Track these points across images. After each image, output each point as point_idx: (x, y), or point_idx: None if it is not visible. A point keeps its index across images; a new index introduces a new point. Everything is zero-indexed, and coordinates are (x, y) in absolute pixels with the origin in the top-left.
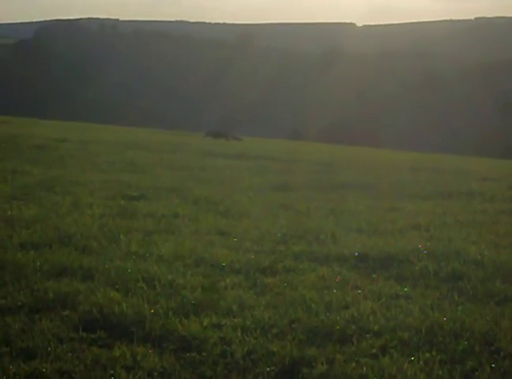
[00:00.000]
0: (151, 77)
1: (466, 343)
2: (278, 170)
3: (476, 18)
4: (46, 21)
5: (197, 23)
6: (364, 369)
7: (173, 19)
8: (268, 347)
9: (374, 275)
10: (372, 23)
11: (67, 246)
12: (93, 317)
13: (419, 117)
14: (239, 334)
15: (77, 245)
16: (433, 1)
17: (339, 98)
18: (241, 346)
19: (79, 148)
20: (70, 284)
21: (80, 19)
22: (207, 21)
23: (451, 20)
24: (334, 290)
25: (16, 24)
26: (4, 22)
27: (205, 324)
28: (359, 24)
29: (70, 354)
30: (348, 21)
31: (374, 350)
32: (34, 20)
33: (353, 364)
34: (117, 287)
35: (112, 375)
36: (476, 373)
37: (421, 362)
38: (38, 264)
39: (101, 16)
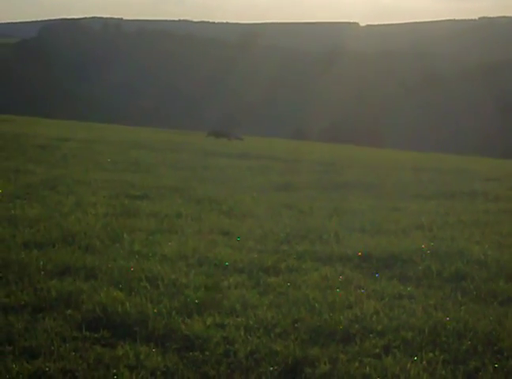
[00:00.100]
0: (154, 77)
1: (469, 343)
2: (281, 169)
3: (479, 18)
4: (49, 21)
5: (201, 22)
6: (367, 368)
7: (176, 18)
8: (271, 347)
9: (377, 275)
10: (375, 22)
11: (70, 245)
12: (96, 316)
13: (420, 117)
14: (242, 333)
15: (81, 244)
16: (436, 1)
17: (341, 97)
18: (244, 345)
19: (82, 147)
20: (73, 283)
21: (84, 18)
22: (210, 21)
23: (454, 20)
24: (337, 290)
25: (19, 23)
26: (7, 21)
27: (208, 323)
28: (363, 23)
29: (73, 353)
30: (352, 21)
31: (378, 350)
32: (37, 20)
33: (356, 364)
34: (120, 286)
35: (115, 374)
36: (480, 373)
37: (424, 362)
38: (41, 263)
39: (105, 16)
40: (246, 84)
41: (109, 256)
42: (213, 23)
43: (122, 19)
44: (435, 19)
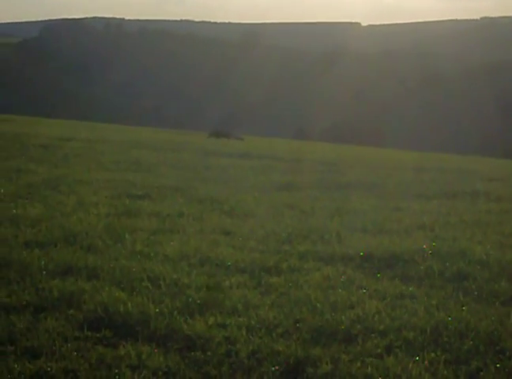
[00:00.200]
0: (155, 76)
1: (471, 343)
2: (282, 169)
3: (481, 18)
4: (51, 20)
5: (202, 22)
6: (369, 368)
7: (178, 18)
8: (273, 347)
9: (379, 275)
10: (377, 22)
11: (72, 245)
12: (98, 316)
13: (422, 116)
14: (244, 333)
15: (82, 244)
16: (438, 1)
17: (343, 97)
18: (246, 345)
19: (84, 147)
20: (75, 283)
21: (86, 18)
22: (212, 21)
23: (456, 20)
24: (339, 290)
25: (21, 23)
26: (9, 21)
27: (209, 323)
28: (365, 23)
29: (75, 353)
30: (354, 21)
31: (379, 350)
32: (39, 20)
33: (358, 364)
34: (122, 286)
35: (117, 374)
36: (481, 373)
37: (426, 362)
38: (43, 263)
39: (106, 16)
40: (248, 84)
41: (111, 256)
42: (215, 23)
43: (123, 19)
44: (437, 19)
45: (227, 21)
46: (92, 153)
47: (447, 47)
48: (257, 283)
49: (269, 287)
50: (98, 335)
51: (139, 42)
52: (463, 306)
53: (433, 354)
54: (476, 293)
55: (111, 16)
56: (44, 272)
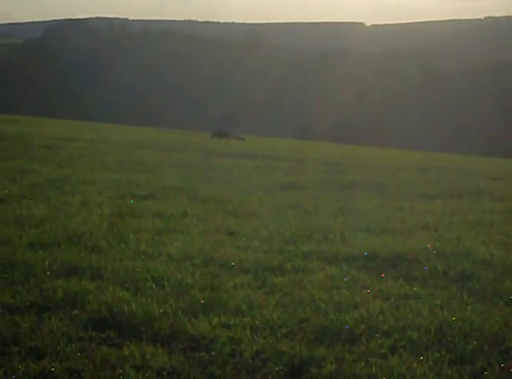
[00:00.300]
0: (159, 77)
1: (475, 342)
2: (286, 169)
3: (484, 18)
4: (54, 21)
5: (206, 22)
6: (373, 368)
7: (181, 18)
8: (277, 347)
9: (383, 275)
10: (381, 22)
11: (76, 246)
12: (102, 316)
13: (424, 116)
14: (248, 333)
15: (86, 244)
16: (441, 1)
17: (345, 97)
18: (250, 345)
19: (87, 147)
20: (79, 283)
21: (89, 18)
22: (215, 21)
23: (459, 20)
24: (343, 290)
25: (24, 23)
26: (12, 22)
27: (214, 323)
28: (368, 23)
29: (79, 353)
30: (357, 21)
31: (384, 350)
32: (42, 20)
33: (362, 364)
34: (126, 286)
35: (121, 374)
36: (486, 373)
37: (430, 362)
38: (47, 263)
39: (110, 16)
40: (251, 84)
41: (115, 256)
42: (218, 23)
43: (127, 19)
44: (440, 18)
45: (230, 21)
46: (96, 153)
47: (450, 47)
48: (261, 284)
49: (273, 287)
50: (102, 335)
51: (142, 42)
52: (467, 306)
53: (437, 354)
54: (480, 293)
55: (114, 16)
56: (48, 273)
